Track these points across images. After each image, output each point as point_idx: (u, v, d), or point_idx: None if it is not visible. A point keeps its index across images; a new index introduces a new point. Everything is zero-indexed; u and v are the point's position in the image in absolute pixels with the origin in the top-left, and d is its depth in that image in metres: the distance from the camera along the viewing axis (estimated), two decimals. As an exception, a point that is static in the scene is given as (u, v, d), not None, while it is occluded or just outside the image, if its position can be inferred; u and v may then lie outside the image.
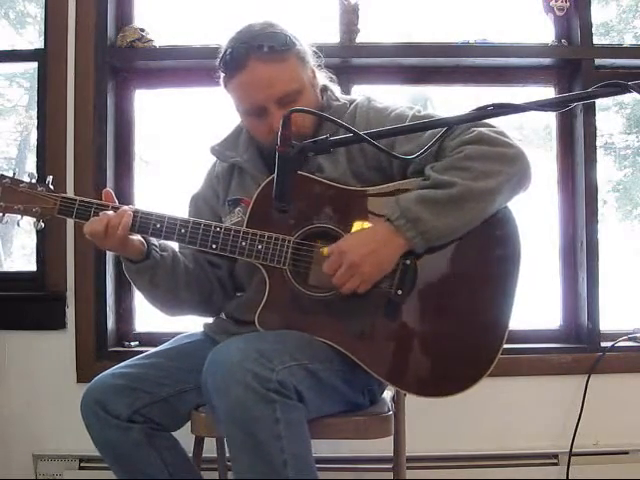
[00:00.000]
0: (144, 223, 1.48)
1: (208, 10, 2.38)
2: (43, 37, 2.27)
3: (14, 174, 1.48)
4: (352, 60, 2.28)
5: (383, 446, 1.63)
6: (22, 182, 1.48)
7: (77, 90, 2.23)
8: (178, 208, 1.68)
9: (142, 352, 1.61)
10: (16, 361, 2.23)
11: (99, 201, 1.49)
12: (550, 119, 2.40)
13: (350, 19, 2.25)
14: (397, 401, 1.63)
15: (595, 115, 2.27)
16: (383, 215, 1.44)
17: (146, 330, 2.35)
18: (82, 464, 2.21)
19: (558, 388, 2.20)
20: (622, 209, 2.61)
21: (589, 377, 2.16)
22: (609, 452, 2.19)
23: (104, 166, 2.24)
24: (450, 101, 2.51)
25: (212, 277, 1.64)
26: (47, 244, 2.24)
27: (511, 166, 1.42)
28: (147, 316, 2.33)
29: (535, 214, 2.27)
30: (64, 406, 2.09)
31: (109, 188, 1.54)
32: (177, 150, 2.45)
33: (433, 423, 2.13)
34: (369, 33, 2.29)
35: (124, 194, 2.29)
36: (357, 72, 2.32)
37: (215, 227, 1.49)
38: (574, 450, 2.13)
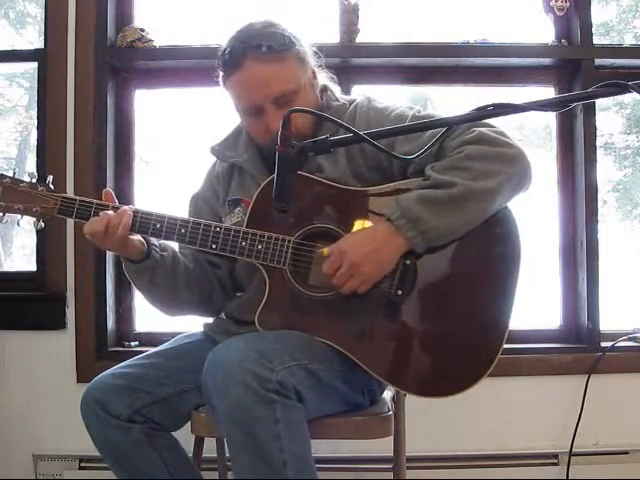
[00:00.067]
0: (144, 223, 1.48)
1: (208, 10, 2.38)
2: (43, 37, 2.27)
3: (14, 174, 1.48)
4: (352, 60, 2.28)
5: (383, 446, 1.63)
6: (22, 182, 1.47)
7: (77, 90, 2.23)
8: (178, 208, 1.68)
9: (142, 352, 1.61)
10: (16, 361, 2.23)
11: (99, 201, 1.49)
12: (550, 119, 2.40)
13: (350, 19, 2.25)
14: (397, 401, 1.63)
15: (595, 115, 2.27)
16: (383, 215, 1.44)
17: (146, 330, 2.35)
18: (82, 464, 2.21)
19: (558, 388, 2.20)
20: (622, 209, 2.61)
21: (589, 377, 2.16)
22: (609, 452, 2.19)
23: (104, 166, 2.24)
24: (450, 101, 2.51)
25: (212, 277, 1.64)
26: (47, 244, 2.24)
27: (511, 166, 1.42)
28: (147, 316, 2.33)
29: (535, 214, 2.27)
30: (64, 406, 2.09)
31: (109, 188, 1.54)
32: (177, 150, 2.45)
33: (433, 423, 2.13)
34: (369, 33, 2.29)
35: (124, 194, 2.29)
36: (357, 72, 2.32)
37: (215, 227, 1.49)
38: (574, 450, 2.13)
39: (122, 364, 1.55)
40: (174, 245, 1.61)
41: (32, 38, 2.50)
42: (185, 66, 2.30)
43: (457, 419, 2.16)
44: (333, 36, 2.28)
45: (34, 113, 2.35)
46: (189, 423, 1.54)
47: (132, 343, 2.29)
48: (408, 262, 1.44)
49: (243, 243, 1.48)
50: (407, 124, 1.45)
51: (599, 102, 2.32)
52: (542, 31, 2.36)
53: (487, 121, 1.44)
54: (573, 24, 2.29)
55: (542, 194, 2.29)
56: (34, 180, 1.49)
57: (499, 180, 1.40)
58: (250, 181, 1.60)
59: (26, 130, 2.56)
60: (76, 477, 2.19)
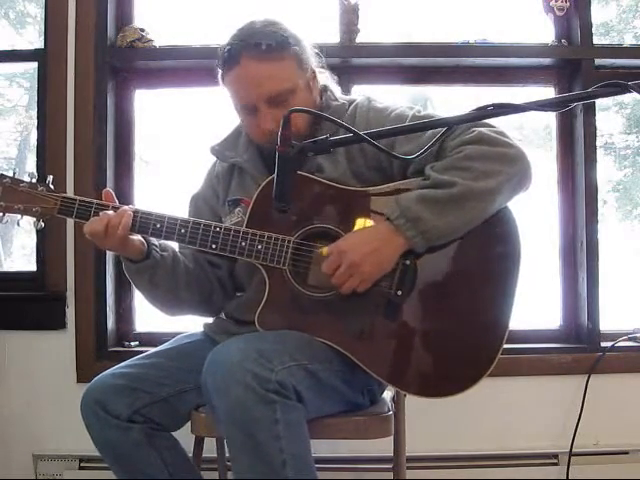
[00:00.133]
0: (144, 223, 1.48)
1: (208, 10, 2.38)
2: (43, 37, 2.27)
3: (14, 174, 1.48)
4: (352, 60, 2.28)
5: (383, 446, 1.63)
6: (22, 182, 1.47)
7: (77, 90, 2.23)
8: (178, 208, 1.68)
9: (142, 352, 1.61)
10: (16, 361, 2.23)
11: (99, 201, 1.49)
12: (550, 119, 2.40)
13: (350, 19, 2.25)
14: (397, 401, 1.63)
15: (595, 115, 2.26)
16: (383, 215, 1.44)
17: (146, 330, 2.35)
18: (82, 464, 2.21)
19: (558, 388, 2.20)
20: (622, 209, 2.61)
21: (589, 377, 2.16)
22: (609, 452, 2.19)
23: (104, 166, 2.24)
24: (450, 101, 2.51)
25: (212, 277, 1.64)
26: (47, 244, 2.24)
27: (511, 166, 1.42)
28: (147, 316, 2.33)
29: (535, 214, 2.27)
30: (64, 406, 2.09)
31: (109, 188, 1.54)
32: (177, 150, 2.45)
33: (433, 423, 2.13)
34: (369, 33, 2.29)
35: (124, 194, 2.29)
36: (357, 72, 2.32)
37: (215, 227, 1.49)
38: (574, 450, 2.13)
39: (122, 364, 1.55)
40: (174, 245, 1.61)
41: (32, 38, 2.50)
42: (185, 66, 2.30)
43: (457, 419, 2.15)
44: (333, 36, 2.28)
45: (34, 113, 2.35)
46: (189, 423, 1.53)
47: (132, 343, 2.29)
48: (408, 262, 1.44)
49: (243, 243, 1.48)
50: (407, 124, 1.45)
51: (599, 102, 2.32)
52: (542, 31, 2.36)
53: (487, 121, 1.44)
54: (573, 24, 2.29)
55: (542, 194, 2.29)
56: (34, 180, 1.49)
57: (499, 180, 1.40)
58: (250, 181, 1.60)
59: (26, 130, 2.56)
60: (76, 477, 2.19)
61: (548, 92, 2.38)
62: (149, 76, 2.36)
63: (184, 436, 1.55)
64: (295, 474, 1.26)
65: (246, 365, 1.26)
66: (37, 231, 1.64)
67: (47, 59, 2.25)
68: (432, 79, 2.38)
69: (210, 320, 1.70)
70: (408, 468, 1.63)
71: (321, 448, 1.83)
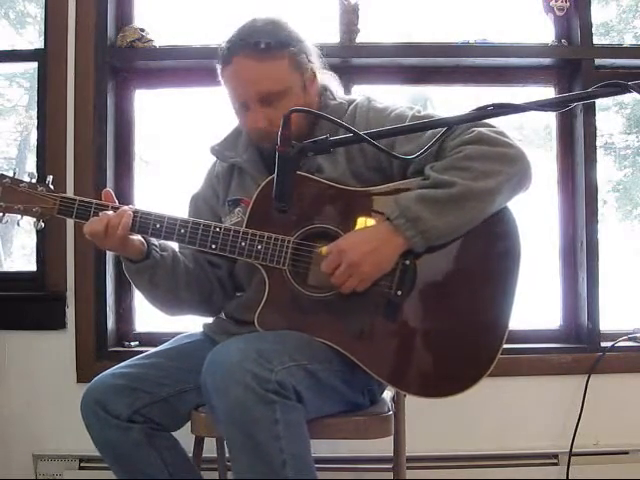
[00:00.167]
0: (144, 223, 1.48)
1: (208, 10, 2.38)
2: (43, 37, 2.27)
3: (14, 174, 1.48)
4: (352, 60, 2.28)
5: (383, 446, 1.63)
6: (22, 182, 1.48)
7: (77, 90, 2.23)
8: (178, 208, 1.68)
9: (142, 352, 1.61)
10: (16, 361, 2.23)
11: (99, 201, 1.49)
12: (550, 119, 2.40)
13: (350, 19, 2.25)
14: (397, 401, 1.63)
15: (595, 115, 2.26)
16: (382, 214, 1.44)
17: (146, 330, 2.35)
18: (82, 464, 2.21)
19: (558, 388, 2.20)
20: (622, 209, 2.61)
21: (589, 377, 2.16)
22: (609, 452, 2.19)
23: (104, 166, 2.24)
24: (450, 101, 2.51)
25: (212, 277, 1.64)
26: (47, 244, 2.24)
27: (511, 166, 1.42)
28: (147, 316, 2.33)
29: (535, 214, 2.27)
30: (64, 406, 2.09)
31: (109, 188, 1.54)
32: (177, 150, 2.45)
33: (433, 423, 2.13)
34: (369, 33, 2.29)
35: (124, 194, 2.29)
36: (357, 72, 2.32)
37: (214, 227, 1.49)
38: (574, 450, 2.13)
39: (122, 364, 1.55)
40: (174, 245, 1.61)
41: (32, 38, 2.50)
42: (185, 66, 2.30)
43: (457, 419, 2.16)
44: (333, 36, 2.28)
45: (34, 113, 2.35)
46: (189, 423, 1.54)
47: (132, 343, 2.29)
48: (407, 262, 1.44)
49: (243, 243, 1.48)
50: (407, 124, 1.45)
51: (599, 102, 2.32)
52: (542, 31, 2.35)
53: (487, 121, 1.44)
54: (573, 24, 2.29)
55: (542, 194, 2.29)
56: (34, 180, 1.49)
57: (499, 180, 1.40)
58: (250, 181, 1.60)
59: (26, 130, 2.56)
60: (76, 477, 2.19)
61: (548, 92, 2.38)
62: (149, 76, 2.36)
63: (184, 436, 1.55)
64: (295, 474, 1.26)
65: (246, 365, 1.26)
66: (37, 231, 1.64)
67: (47, 59, 2.25)
68: (432, 79, 2.38)
69: (210, 320, 1.70)
70: (408, 468, 1.63)
71: (321, 448, 1.83)
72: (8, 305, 2.24)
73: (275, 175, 1.27)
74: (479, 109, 1.20)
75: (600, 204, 2.28)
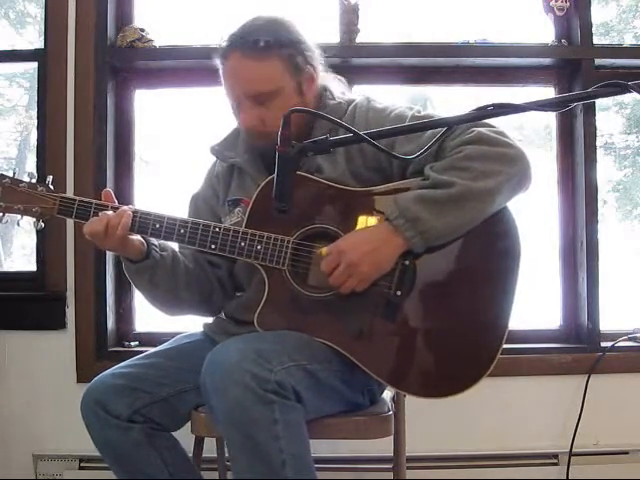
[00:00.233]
0: (143, 223, 1.48)
1: (208, 10, 2.38)
2: (43, 37, 2.27)
3: (14, 174, 1.48)
4: (352, 60, 2.28)
5: (383, 446, 1.63)
6: (22, 182, 1.48)
7: (77, 90, 2.23)
8: (178, 208, 1.68)
9: (142, 352, 1.62)
10: (16, 361, 2.23)
11: (99, 201, 1.49)
12: (550, 119, 2.40)
13: (350, 19, 2.25)
14: (397, 401, 1.63)
15: (595, 115, 2.26)
16: (382, 215, 1.44)
17: (146, 330, 2.35)
18: (82, 464, 2.21)
19: (558, 388, 2.20)
20: (622, 209, 2.61)
21: (589, 377, 2.16)
22: (609, 452, 2.19)
23: (104, 166, 2.24)
24: (450, 101, 2.51)
25: (212, 277, 1.64)
26: (47, 244, 2.24)
27: (511, 166, 1.42)
28: (147, 316, 2.33)
29: (535, 214, 2.27)
30: (64, 406, 2.09)
31: (109, 188, 1.54)
32: (177, 150, 2.45)
33: (433, 423, 2.13)
34: (369, 33, 2.29)
35: (124, 194, 2.29)
36: (357, 72, 2.31)
37: (214, 227, 1.49)
38: (574, 450, 2.13)
39: (122, 364, 1.55)
40: (174, 245, 1.61)
41: (32, 38, 2.50)
42: (185, 66, 2.30)
43: (457, 419, 2.15)
44: (333, 36, 2.28)
45: (34, 113, 2.35)
46: (189, 423, 1.54)
47: (132, 343, 2.29)
48: (407, 262, 1.44)
49: (242, 243, 1.48)
50: (407, 124, 1.45)
51: (599, 102, 2.32)
52: (542, 31, 2.35)
53: (487, 121, 1.43)
54: (573, 24, 2.29)
55: (542, 194, 2.29)
56: (34, 180, 1.49)
57: (499, 180, 1.40)
58: (250, 181, 1.60)
59: (26, 130, 2.56)
60: (76, 477, 2.19)
61: (548, 92, 2.38)
62: (149, 76, 2.36)
63: (184, 436, 1.55)
64: (294, 474, 1.26)
65: (245, 365, 1.26)
66: (37, 231, 1.64)
67: (47, 59, 2.25)
68: (432, 79, 2.38)
69: (210, 320, 1.70)
70: (408, 468, 1.63)
71: (321, 448, 1.83)
72: (8, 305, 2.24)
73: (275, 175, 1.27)
74: (479, 109, 1.20)
75: (600, 204, 2.28)
